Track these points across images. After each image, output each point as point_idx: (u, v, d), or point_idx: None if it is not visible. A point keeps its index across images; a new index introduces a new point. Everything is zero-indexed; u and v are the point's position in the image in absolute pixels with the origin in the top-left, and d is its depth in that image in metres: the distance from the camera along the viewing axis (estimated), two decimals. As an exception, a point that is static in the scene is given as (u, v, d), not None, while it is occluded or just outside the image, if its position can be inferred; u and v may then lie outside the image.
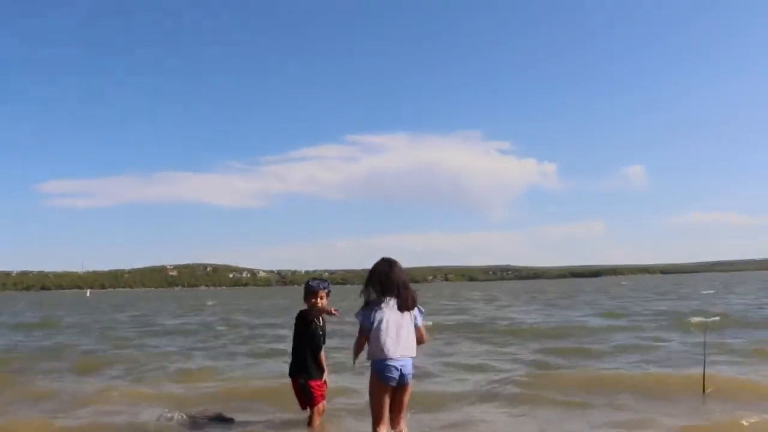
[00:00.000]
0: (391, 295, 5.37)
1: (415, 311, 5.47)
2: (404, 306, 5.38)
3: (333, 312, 6.47)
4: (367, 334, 5.34)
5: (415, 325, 5.44)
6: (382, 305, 5.33)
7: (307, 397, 6.56)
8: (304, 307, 6.65)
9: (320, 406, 6.63)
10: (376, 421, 5.36)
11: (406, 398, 5.45)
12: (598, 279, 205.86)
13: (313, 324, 6.60)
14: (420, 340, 5.50)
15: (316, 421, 6.58)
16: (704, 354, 8.49)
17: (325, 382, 6.70)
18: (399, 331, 5.31)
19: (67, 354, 14.52)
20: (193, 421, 7.06)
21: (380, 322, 5.28)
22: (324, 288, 6.61)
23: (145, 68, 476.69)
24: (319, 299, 6.56)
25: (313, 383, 6.55)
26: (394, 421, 5.46)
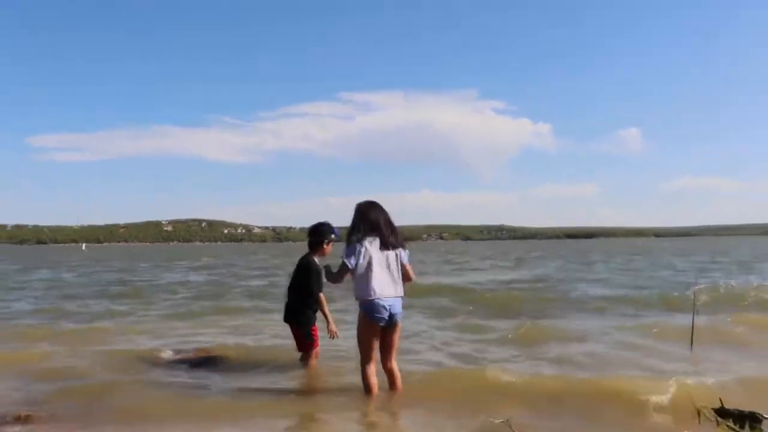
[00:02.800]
0: (373, 234, 5.37)
1: (400, 250, 5.49)
2: (387, 244, 5.38)
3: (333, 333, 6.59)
4: (347, 272, 5.34)
5: (402, 264, 5.47)
6: (366, 244, 5.34)
7: (309, 343, 6.65)
8: (304, 253, 6.63)
9: (318, 348, 6.77)
10: (365, 360, 5.45)
11: (397, 337, 5.52)
12: (608, 240, 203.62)
13: (319, 270, 6.47)
14: (407, 278, 5.54)
15: (313, 361, 6.71)
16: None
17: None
18: (385, 271, 5.34)
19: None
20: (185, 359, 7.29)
21: (366, 261, 5.29)
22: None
23: (137, 23, 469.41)
24: (330, 246, 6.61)
25: (315, 329, 6.66)
26: (385, 360, 5.54)
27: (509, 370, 6.41)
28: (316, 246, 6.58)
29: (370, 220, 5.42)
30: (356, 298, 5.43)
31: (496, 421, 3.72)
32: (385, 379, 5.63)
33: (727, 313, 10.51)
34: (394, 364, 5.61)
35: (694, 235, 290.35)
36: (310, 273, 6.53)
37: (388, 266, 5.39)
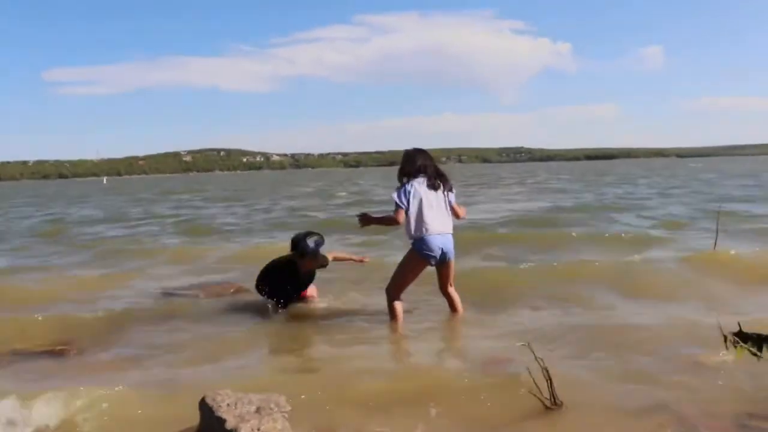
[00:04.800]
0: (420, 175, 5.59)
1: (448, 192, 5.68)
2: (434, 184, 5.59)
3: (364, 260, 6.73)
4: (401, 212, 5.49)
5: (449, 204, 5.67)
6: (415, 185, 5.55)
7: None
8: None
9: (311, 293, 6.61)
10: (394, 295, 5.68)
11: (451, 271, 5.75)
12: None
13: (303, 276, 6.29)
14: (457, 216, 5.77)
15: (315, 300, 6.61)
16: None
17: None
18: (435, 209, 5.54)
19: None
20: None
21: (418, 201, 5.50)
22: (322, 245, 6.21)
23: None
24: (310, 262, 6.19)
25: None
26: (444, 288, 5.81)
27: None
28: (297, 261, 6.20)
29: (416, 163, 5.63)
30: (408, 237, 5.62)
31: (518, 344, 3.79)
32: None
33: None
34: (452, 290, 5.85)
35: (718, 155, 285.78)
36: (287, 272, 6.21)
37: (438, 205, 5.58)
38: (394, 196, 5.58)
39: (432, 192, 5.58)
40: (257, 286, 6.42)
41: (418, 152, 5.74)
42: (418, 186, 5.55)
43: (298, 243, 6.08)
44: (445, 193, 5.67)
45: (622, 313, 5.95)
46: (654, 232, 11.68)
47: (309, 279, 6.43)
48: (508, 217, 15.66)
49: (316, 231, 6.31)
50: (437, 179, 5.64)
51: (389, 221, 5.60)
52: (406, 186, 5.57)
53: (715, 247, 8.38)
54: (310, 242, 6.01)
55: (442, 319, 5.87)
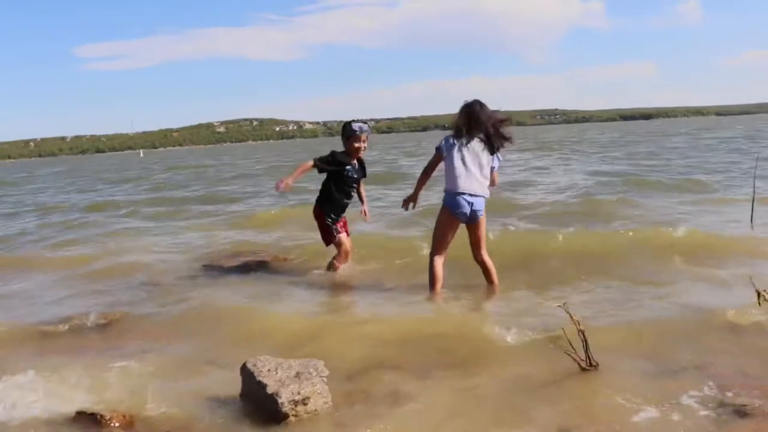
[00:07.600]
0: (478, 132, 5.47)
1: (497, 155, 5.55)
2: (489, 145, 5.47)
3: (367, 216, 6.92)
4: (437, 159, 5.52)
5: (492, 168, 5.56)
6: (465, 140, 5.45)
7: (329, 234, 6.47)
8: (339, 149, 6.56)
9: (344, 246, 6.50)
10: (435, 251, 5.64)
11: (482, 231, 5.64)
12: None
13: (349, 168, 6.46)
14: (492, 183, 5.65)
15: (339, 264, 6.49)
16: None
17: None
18: (475, 167, 5.44)
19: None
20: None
21: (460, 153, 5.43)
22: (366, 131, 6.48)
23: None
24: (362, 143, 6.45)
25: (339, 224, 6.51)
26: (476, 253, 5.73)
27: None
28: (345, 146, 6.59)
29: (479, 120, 5.46)
30: (444, 190, 5.57)
31: (555, 305, 3.80)
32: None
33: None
34: (485, 257, 5.76)
35: (758, 112, 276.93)
36: (332, 167, 6.45)
37: (480, 166, 5.47)
38: (441, 142, 5.53)
39: (484, 154, 5.46)
40: (316, 209, 6.52)
41: (481, 107, 5.51)
42: (469, 140, 5.44)
43: (345, 126, 6.57)
44: (493, 157, 5.53)
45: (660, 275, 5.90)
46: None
47: (357, 174, 6.56)
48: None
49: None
50: (495, 140, 5.47)
51: (426, 169, 5.66)
52: (453, 138, 5.47)
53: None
54: (356, 125, 6.43)
55: (477, 280, 5.82)
